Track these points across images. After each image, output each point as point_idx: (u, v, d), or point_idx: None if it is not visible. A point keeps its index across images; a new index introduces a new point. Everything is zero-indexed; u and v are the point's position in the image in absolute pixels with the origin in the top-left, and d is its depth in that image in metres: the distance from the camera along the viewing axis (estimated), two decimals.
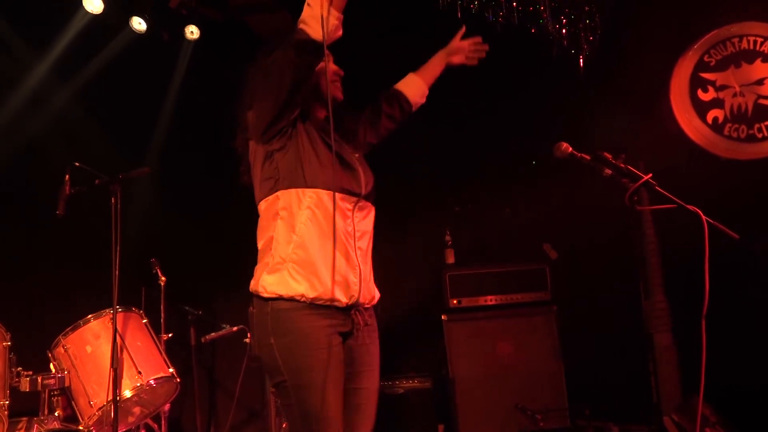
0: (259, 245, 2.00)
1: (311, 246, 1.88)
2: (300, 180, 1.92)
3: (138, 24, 4.26)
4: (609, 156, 2.09)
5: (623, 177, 2.05)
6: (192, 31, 4.55)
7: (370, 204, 2.07)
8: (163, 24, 4.38)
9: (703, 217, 1.94)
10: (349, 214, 1.97)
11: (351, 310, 1.95)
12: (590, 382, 4.25)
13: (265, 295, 1.90)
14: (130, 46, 4.26)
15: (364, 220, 2.03)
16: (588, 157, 2.10)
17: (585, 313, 4.38)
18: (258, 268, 1.97)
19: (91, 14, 4.02)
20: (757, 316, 3.80)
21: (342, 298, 1.91)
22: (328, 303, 1.89)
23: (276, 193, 1.94)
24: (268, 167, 1.96)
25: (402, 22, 4.32)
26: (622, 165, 2.06)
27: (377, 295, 2.07)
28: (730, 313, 3.49)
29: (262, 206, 2.00)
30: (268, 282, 1.90)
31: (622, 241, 4.16)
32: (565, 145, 2.11)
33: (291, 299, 1.87)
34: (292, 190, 1.92)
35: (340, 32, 1.93)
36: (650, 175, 2.02)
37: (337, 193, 1.93)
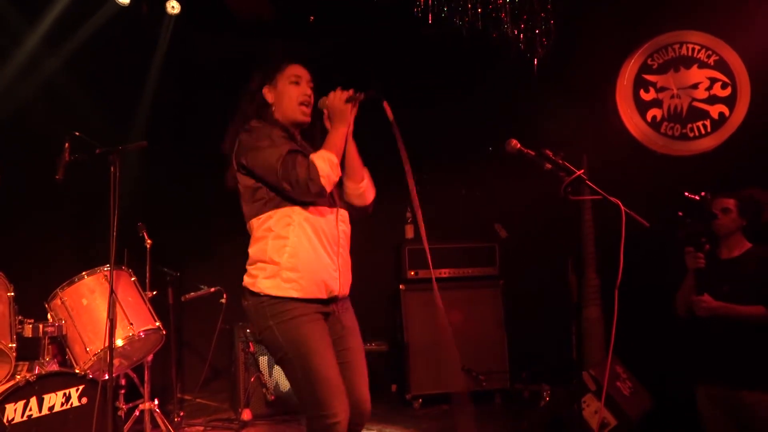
0: (252, 251, 2.29)
1: (302, 254, 2.21)
2: (286, 199, 2.23)
3: None
4: (550, 153, 2.43)
5: (560, 171, 2.41)
6: (173, 6, 4.74)
7: (345, 209, 2.38)
8: None
9: (622, 207, 2.33)
10: (334, 221, 2.31)
11: (330, 301, 2.28)
12: (529, 349, 4.72)
13: (263, 293, 2.21)
14: (115, 19, 4.44)
15: (345, 224, 2.36)
16: (533, 153, 2.45)
17: (528, 288, 4.83)
18: (254, 270, 2.26)
19: None
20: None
21: (323, 296, 2.24)
22: (312, 298, 2.22)
23: (268, 213, 2.25)
24: (257, 192, 2.26)
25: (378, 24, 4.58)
26: (561, 161, 2.42)
27: (349, 289, 2.37)
28: (654, 291, 3.96)
29: (254, 223, 2.29)
30: (265, 285, 2.21)
31: (563, 225, 4.59)
32: (514, 141, 2.43)
33: (285, 297, 2.20)
34: (281, 209, 2.24)
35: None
36: (582, 170, 2.40)
37: (319, 206, 2.26)
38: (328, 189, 2.19)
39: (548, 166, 2.43)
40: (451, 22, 3.64)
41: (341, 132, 2.27)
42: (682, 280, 3.07)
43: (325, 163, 2.17)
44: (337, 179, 2.23)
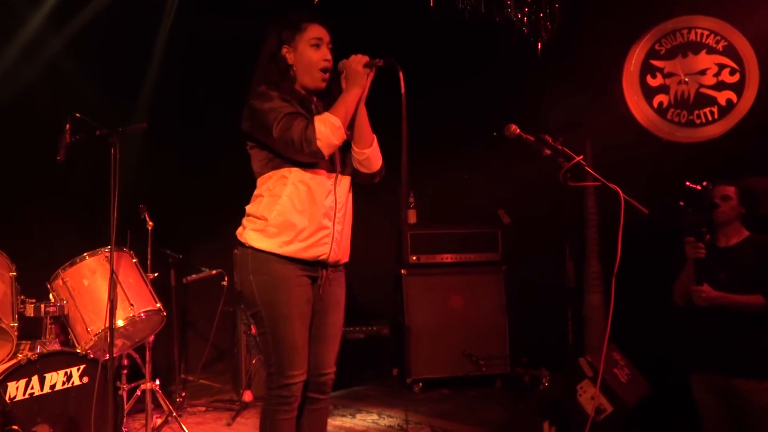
0: (249, 207, 2.34)
1: (290, 213, 2.23)
2: (285, 161, 2.26)
3: None
4: (549, 138, 2.42)
5: (559, 157, 2.39)
6: None
7: (347, 176, 2.39)
8: None
9: (621, 193, 2.32)
10: (331, 188, 2.31)
11: (318, 265, 2.31)
12: (530, 334, 4.73)
13: (247, 244, 2.27)
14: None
15: (344, 192, 2.37)
16: (532, 138, 2.43)
17: (530, 274, 4.83)
18: (246, 222, 2.32)
19: None
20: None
21: (307, 257, 2.26)
22: (296, 258, 2.25)
23: (268, 173, 2.29)
24: (262, 152, 2.30)
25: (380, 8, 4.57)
26: (560, 147, 2.40)
27: (346, 258, 2.42)
28: (655, 278, 3.96)
29: (258, 181, 2.34)
30: (251, 237, 2.27)
31: (567, 211, 4.56)
32: (513, 126, 2.41)
33: (268, 252, 2.24)
34: (280, 170, 2.26)
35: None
36: (582, 156, 2.39)
37: (318, 169, 2.27)
38: (326, 151, 2.19)
39: (547, 151, 2.41)
40: (454, 6, 3.60)
41: (354, 94, 2.26)
42: (681, 269, 3.06)
43: (325, 125, 2.18)
44: (339, 142, 2.23)
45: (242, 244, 2.29)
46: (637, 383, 3.49)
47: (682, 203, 2.94)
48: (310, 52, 2.30)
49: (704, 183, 2.93)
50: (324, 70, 2.32)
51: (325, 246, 2.29)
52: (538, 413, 3.27)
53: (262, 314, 2.26)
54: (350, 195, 2.41)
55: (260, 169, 2.32)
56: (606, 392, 3.22)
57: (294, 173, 2.25)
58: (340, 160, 2.36)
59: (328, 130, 2.17)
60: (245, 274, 2.27)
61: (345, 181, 2.37)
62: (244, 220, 2.34)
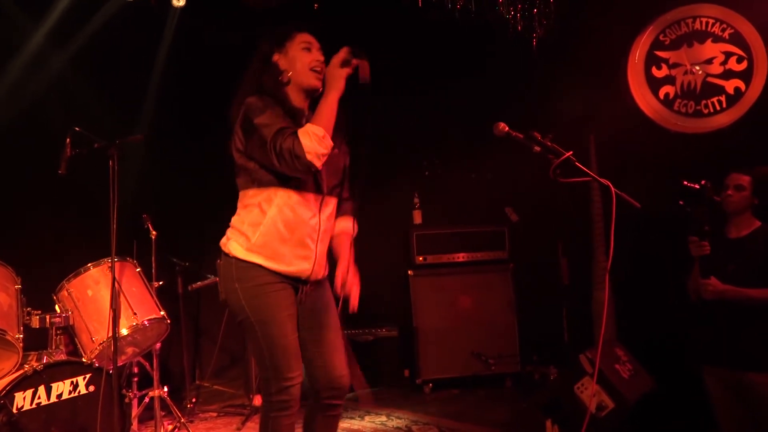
0: (234, 217, 2.36)
1: (272, 240, 2.25)
2: (273, 181, 2.26)
3: None
4: (538, 135, 2.40)
5: (549, 153, 2.37)
6: None
7: (333, 197, 2.40)
8: None
9: (612, 188, 2.28)
10: (316, 210, 2.33)
11: (299, 281, 2.32)
12: (539, 332, 4.70)
13: (231, 254, 2.29)
14: (121, 13, 4.50)
15: (328, 214, 2.38)
16: (521, 136, 2.42)
17: (538, 271, 4.80)
18: (230, 234, 2.33)
19: None
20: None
21: (289, 273, 2.28)
22: (278, 272, 2.26)
23: (253, 189, 2.29)
24: (247, 164, 2.29)
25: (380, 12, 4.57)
26: (549, 143, 2.38)
27: (325, 273, 2.42)
28: (662, 273, 3.91)
29: (242, 195, 2.34)
30: (234, 247, 2.28)
31: (573, 208, 4.54)
32: (502, 124, 2.40)
33: (251, 262, 2.25)
34: (267, 190, 2.27)
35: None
36: (571, 152, 2.36)
37: (302, 192, 2.28)
38: (317, 162, 2.19)
39: (537, 148, 2.40)
40: (444, 6, 3.59)
41: (331, 98, 2.25)
42: (691, 265, 3.02)
43: (309, 139, 2.18)
44: (327, 150, 2.22)
45: (226, 254, 2.31)
46: (640, 379, 3.45)
47: (681, 202, 2.90)
48: (301, 55, 2.33)
49: (702, 182, 2.89)
50: (316, 70, 2.34)
51: (307, 264, 2.32)
52: (539, 411, 3.26)
53: (251, 320, 2.26)
54: (334, 214, 2.42)
55: (246, 185, 2.31)
56: (607, 388, 3.19)
57: (280, 196, 2.26)
58: (327, 181, 2.37)
59: (313, 142, 2.18)
60: (230, 283, 2.28)
61: (330, 203, 2.39)
62: (229, 231, 2.36)
